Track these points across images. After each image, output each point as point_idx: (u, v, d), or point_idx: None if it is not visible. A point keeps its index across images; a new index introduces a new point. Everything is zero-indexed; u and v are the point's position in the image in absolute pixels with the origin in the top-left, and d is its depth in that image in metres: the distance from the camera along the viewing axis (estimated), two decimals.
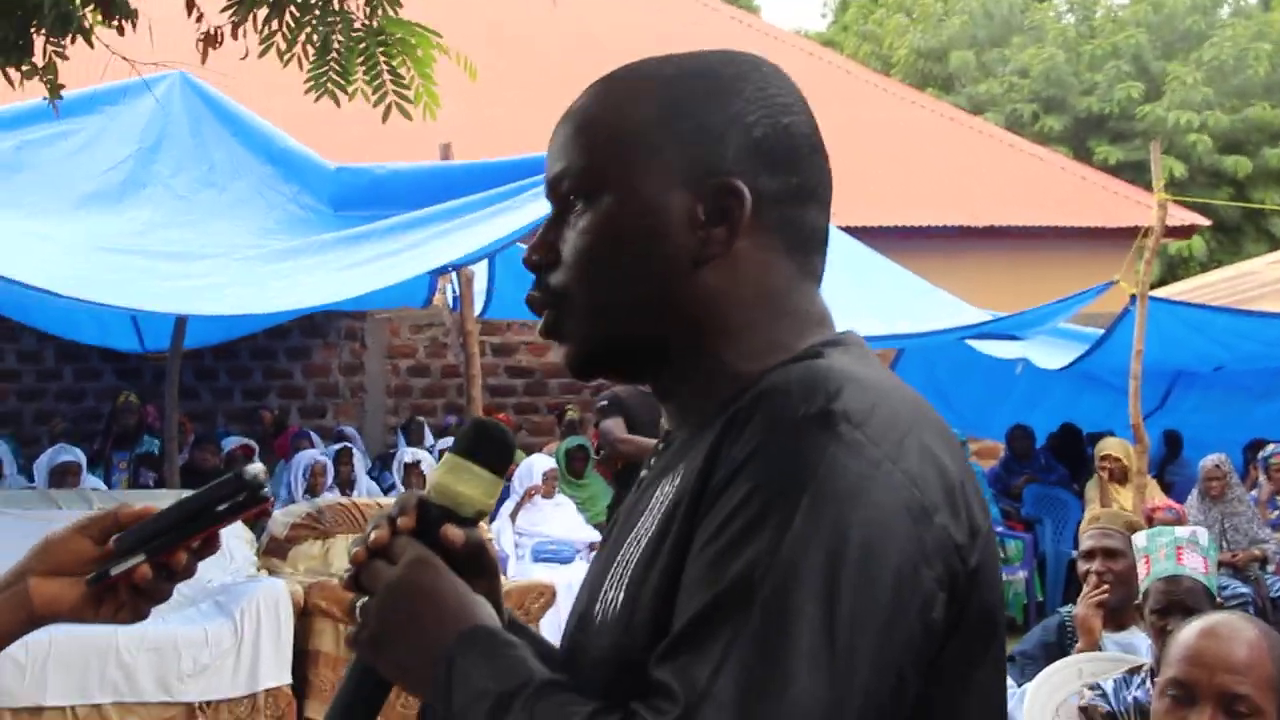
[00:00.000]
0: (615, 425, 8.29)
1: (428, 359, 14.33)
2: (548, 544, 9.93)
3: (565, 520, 10.22)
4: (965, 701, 1.30)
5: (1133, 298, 10.07)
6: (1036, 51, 26.10)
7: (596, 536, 10.27)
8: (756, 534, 1.20)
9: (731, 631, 1.18)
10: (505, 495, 10.63)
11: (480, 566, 1.47)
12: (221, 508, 1.50)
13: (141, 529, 1.54)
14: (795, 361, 1.36)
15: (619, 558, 1.36)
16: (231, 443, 11.63)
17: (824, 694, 1.16)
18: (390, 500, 9.56)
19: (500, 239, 8.23)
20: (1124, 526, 4.82)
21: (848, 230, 10.83)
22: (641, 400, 8.38)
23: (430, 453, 11.57)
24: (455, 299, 10.73)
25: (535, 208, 8.16)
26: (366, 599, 1.38)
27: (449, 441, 12.07)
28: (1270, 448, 10.71)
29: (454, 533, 1.41)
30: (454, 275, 9.50)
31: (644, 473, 1.48)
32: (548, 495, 10.19)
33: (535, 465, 10.42)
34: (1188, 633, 2.53)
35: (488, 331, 13.33)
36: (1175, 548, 4.03)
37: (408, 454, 10.86)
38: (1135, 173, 22.61)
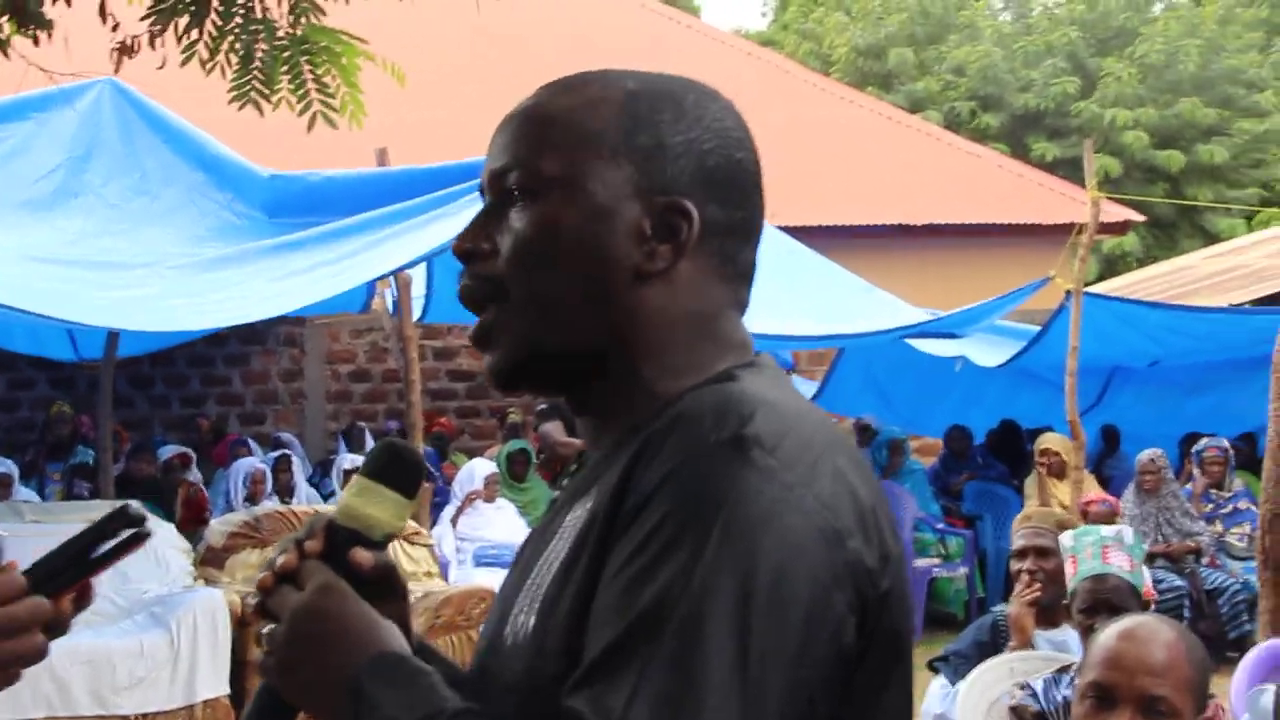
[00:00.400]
0: (555, 429, 8.30)
1: (368, 364, 14.27)
2: (489, 548, 9.91)
3: (507, 524, 10.19)
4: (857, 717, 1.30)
5: (1068, 294, 10.15)
6: (973, 49, 26.29)
7: None
8: (668, 561, 1.21)
9: (644, 661, 1.18)
10: (447, 500, 10.60)
11: (389, 589, 1.45)
12: (105, 548, 1.48)
13: (30, 571, 1.51)
14: (710, 384, 1.36)
15: (529, 581, 1.36)
16: (168, 451, 11.53)
17: (735, 719, 1.17)
18: (330, 508, 9.55)
19: (439, 245, 8.19)
20: (1055, 525, 4.86)
21: (786, 230, 10.86)
22: None
23: None
24: (394, 304, 10.70)
25: (473, 212, 8.12)
26: (274, 626, 1.36)
27: None
28: (1204, 442, 10.82)
29: (363, 556, 1.40)
30: (392, 280, 9.46)
31: (556, 494, 1.48)
32: (489, 499, 10.17)
33: (476, 470, 10.39)
34: (1106, 636, 2.55)
35: (428, 336, 13.29)
36: (1101, 547, 4.07)
37: (347, 460, 10.82)
38: (1072, 169, 22.78)
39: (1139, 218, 17.35)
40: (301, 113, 4.91)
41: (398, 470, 1.44)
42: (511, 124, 1.44)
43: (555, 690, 1.25)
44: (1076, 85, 25.05)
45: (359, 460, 10.79)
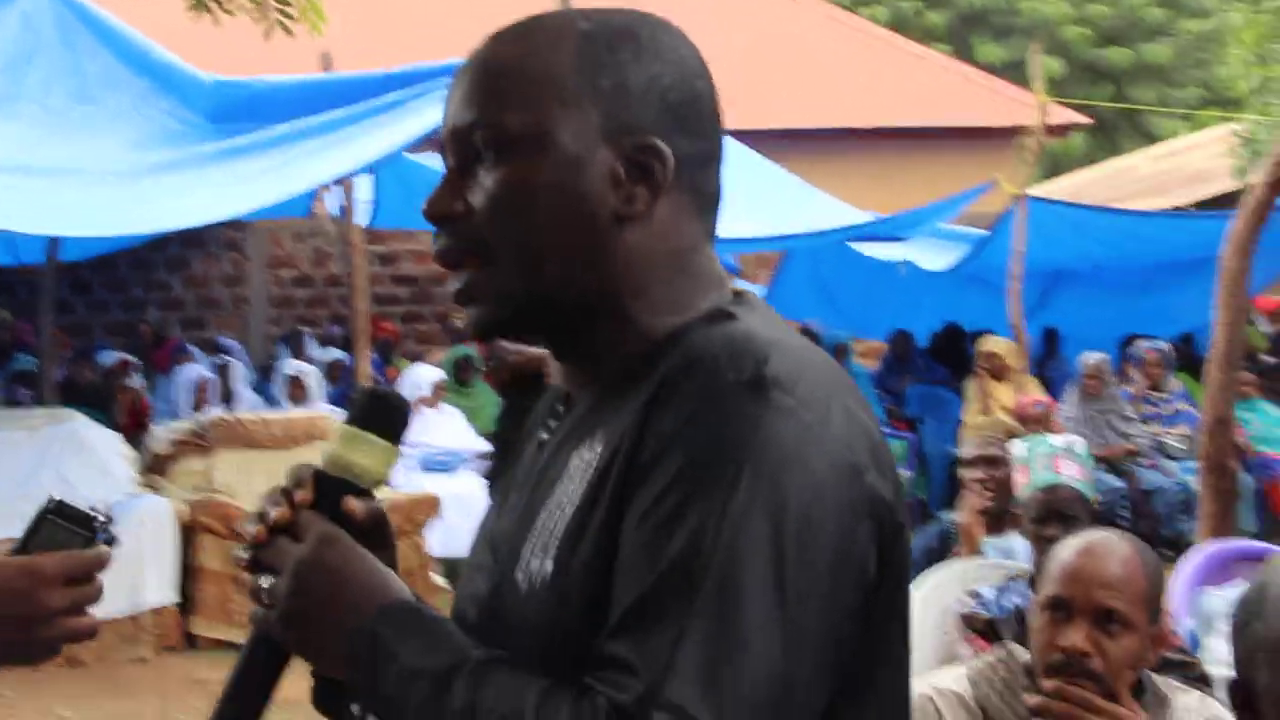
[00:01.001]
0: None
1: (311, 269, 14.17)
2: (436, 454, 9.91)
3: (453, 430, 10.19)
4: (884, 650, 1.34)
5: (1014, 198, 10.19)
6: None
7: (485, 446, 10.25)
8: (697, 504, 1.22)
9: (686, 604, 1.19)
10: None
11: (380, 537, 1.44)
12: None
13: None
14: (706, 322, 1.36)
15: (538, 524, 1.35)
16: (110, 358, 11.43)
17: (780, 657, 1.20)
18: (273, 413, 9.52)
19: (385, 151, 8.13)
20: (1004, 434, 4.91)
21: (730, 133, 10.78)
22: None
23: (314, 365, 11.44)
24: (341, 208, 10.61)
25: (419, 119, 8.05)
26: (273, 580, 1.34)
27: (334, 352, 11.97)
28: (1142, 344, 10.94)
29: (355, 505, 1.39)
30: (335, 185, 9.36)
31: (544, 435, 1.46)
32: (435, 406, 10.15)
33: (422, 376, 10.37)
34: (1065, 551, 2.59)
35: (372, 240, 13.14)
36: (1052, 457, 4.11)
37: (289, 366, 10.75)
38: (1016, 72, 22.79)
39: (1083, 120, 17.40)
40: (258, 21, 4.81)
41: (383, 417, 1.42)
42: (467, 78, 1.41)
43: (579, 635, 1.26)
44: None
45: (301, 367, 10.74)
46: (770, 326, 1.37)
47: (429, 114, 8.12)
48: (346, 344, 12.42)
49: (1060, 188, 17.12)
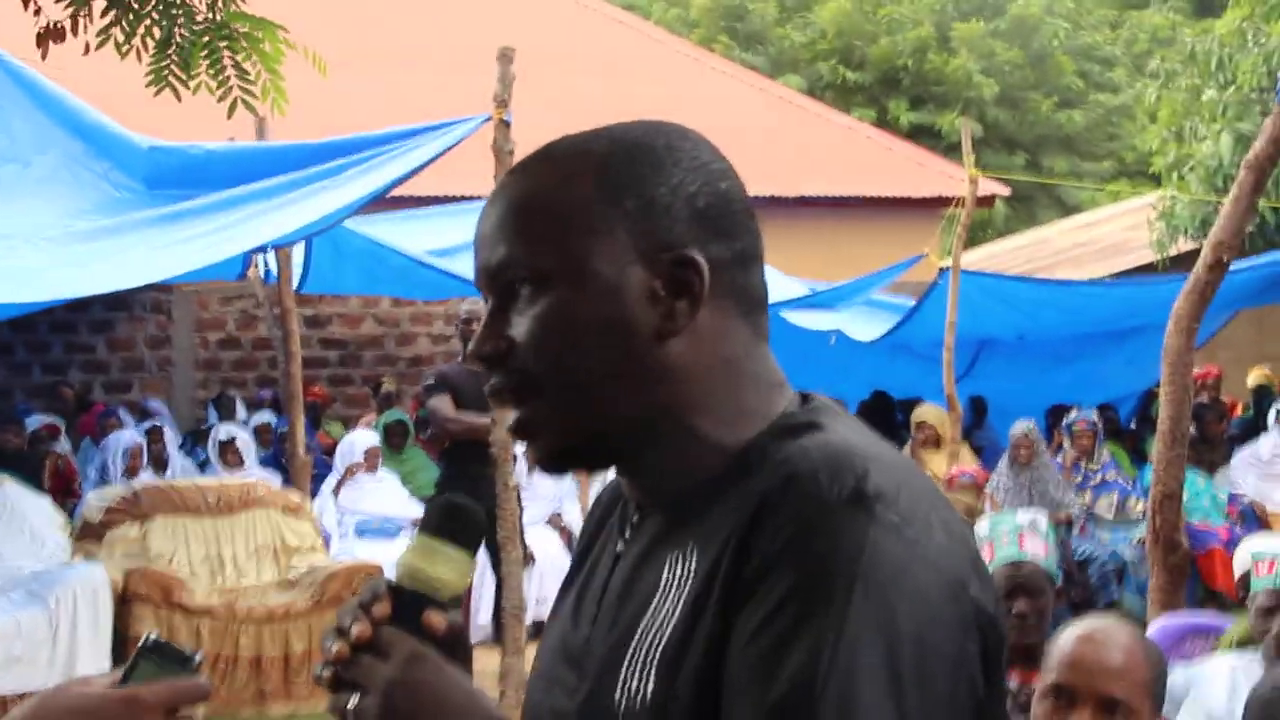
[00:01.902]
0: (443, 403, 8.23)
1: (238, 331, 14.04)
2: (370, 520, 9.84)
3: (388, 496, 10.14)
4: None
5: (942, 271, 10.33)
6: (836, 6, 26.33)
7: (420, 511, 10.20)
8: (810, 625, 1.21)
9: None
10: (323, 470, 10.51)
11: (457, 651, 1.42)
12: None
13: None
14: (790, 432, 1.36)
15: (634, 643, 1.34)
16: (35, 422, 11.25)
17: None
18: (207, 479, 9.41)
19: (323, 218, 8.11)
20: (964, 512, 4.96)
21: None
22: (468, 377, 8.34)
23: (244, 428, 11.34)
24: (268, 272, 10.55)
25: (357, 186, 8.05)
26: (359, 698, 1.32)
27: (264, 415, 11.86)
28: (1074, 414, 11.09)
29: (437, 620, 1.37)
30: (270, 250, 9.32)
31: (619, 547, 1.46)
32: (370, 471, 10.09)
33: (356, 442, 10.32)
34: (1067, 638, 2.62)
35: (300, 303, 13.10)
36: (1017, 534, 4.16)
37: (222, 431, 10.64)
38: (930, 136, 23.18)
39: (1004, 191, 17.68)
40: (221, 99, 4.81)
41: (460, 527, 1.41)
42: (495, 216, 1.42)
43: None
44: (934, 39, 25.31)
45: (235, 431, 10.64)
46: (858, 434, 1.37)
47: (366, 182, 8.13)
48: (275, 406, 12.33)
49: (978, 257, 17.38)
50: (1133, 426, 13.47)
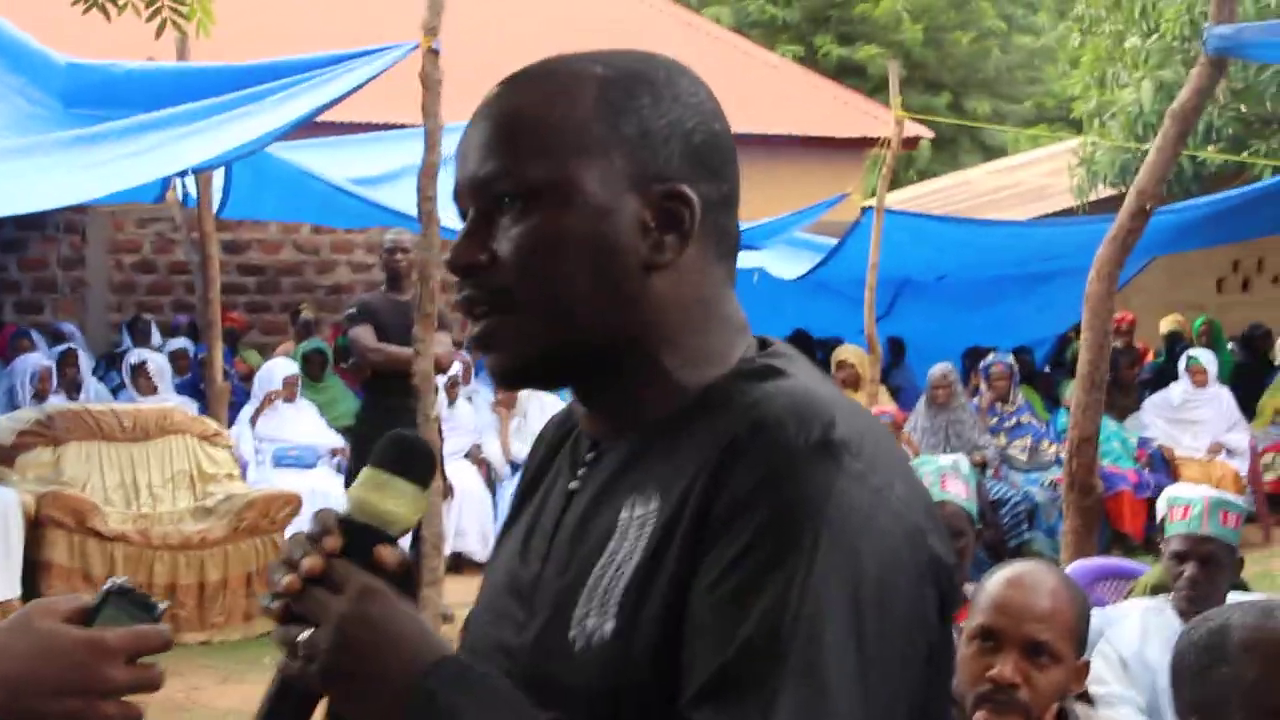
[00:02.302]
0: (364, 333, 8.17)
1: (154, 254, 13.83)
2: (289, 449, 9.78)
3: (307, 425, 10.07)
4: (937, 708, 1.35)
5: (865, 210, 10.37)
6: None
7: (338, 441, 10.15)
8: (776, 571, 1.22)
9: (771, 673, 1.19)
10: (240, 397, 10.42)
11: (404, 585, 1.41)
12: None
13: None
14: (754, 376, 1.37)
15: (592, 581, 1.34)
16: None
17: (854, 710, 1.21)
18: (123, 404, 9.29)
19: (247, 143, 7.99)
20: None
21: None
22: (391, 307, 8.28)
23: (160, 352, 11.21)
24: (185, 195, 10.40)
25: (282, 111, 7.94)
26: (310, 631, 1.31)
27: (180, 341, 11.73)
28: (990, 357, 11.21)
29: (388, 554, 1.36)
30: (191, 174, 9.18)
31: (572, 484, 1.45)
32: (289, 400, 10.02)
33: (276, 370, 10.23)
34: (994, 582, 2.66)
35: (219, 228, 12.92)
36: (940, 475, 4.21)
37: (134, 355, 10.51)
38: (859, 75, 23.19)
39: (929, 133, 17.74)
40: (150, 19, 4.70)
41: (411, 461, 1.40)
42: (486, 127, 1.40)
43: (643, 696, 1.27)
44: None
45: (149, 356, 10.51)
46: (819, 382, 1.38)
47: (291, 107, 8.02)
48: (191, 332, 12.19)
49: (901, 199, 17.43)
50: (1046, 370, 13.65)
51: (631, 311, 1.38)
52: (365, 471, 1.40)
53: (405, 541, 8.38)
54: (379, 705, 1.29)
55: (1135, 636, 4.10)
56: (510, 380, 1.44)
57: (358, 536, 1.36)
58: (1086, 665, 2.72)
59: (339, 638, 1.30)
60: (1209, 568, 4.03)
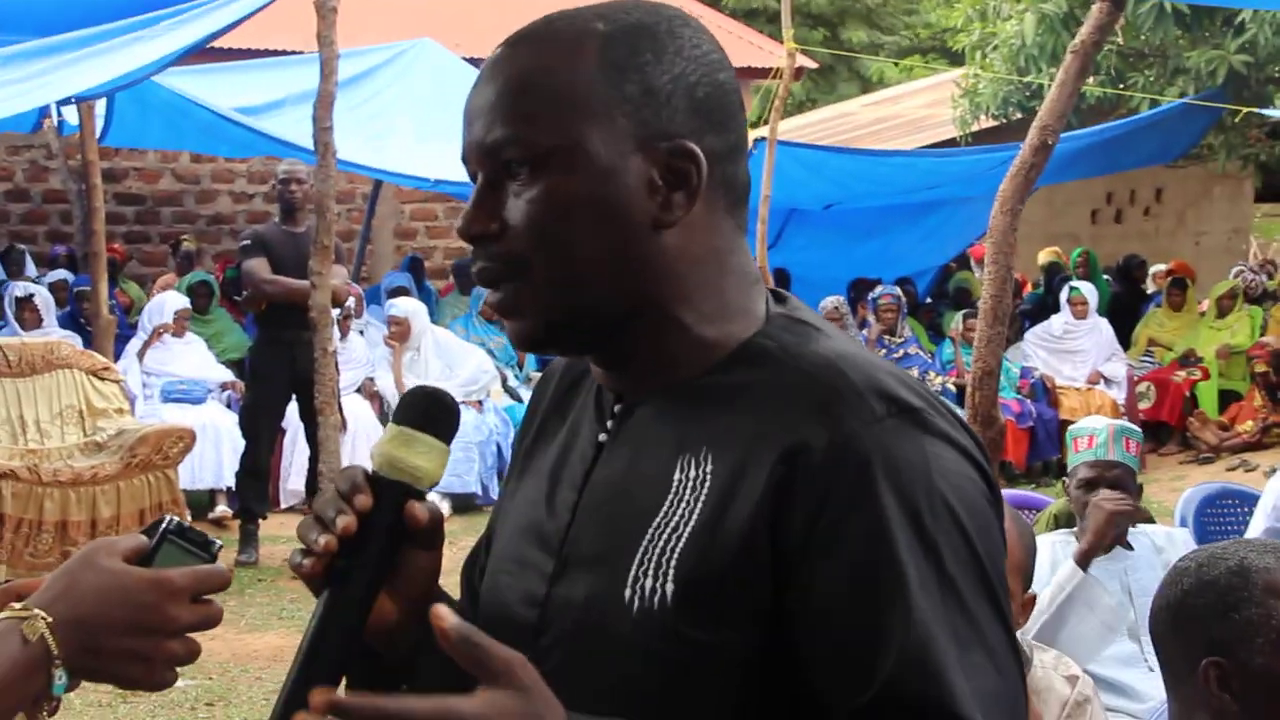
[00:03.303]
0: (259, 265, 8.05)
1: (27, 183, 13.47)
2: (178, 384, 9.63)
3: (196, 359, 9.92)
4: None
5: (758, 141, 10.37)
6: None
7: (227, 375, 10.02)
8: (902, 554, 1.25)
9: (944, 663, 1.23)
10: (132, 333, 10.22)
11: (433, 538, 1.41)
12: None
13: None
14: (791, 336, 1.37)
15: (648, 541, 1.33)
16: None
17: (1018, 673, 1.29)
18: (6, 338, 9.05)
19: (135, 70, 7.83)
20: None
21: (472, 60, 10.79)
22: (285, 239, 8.17)
23: (38, 283, 10.94)
24: (63, 123, 10.13)
25: (171, 39, 7.77)
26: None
27: (59, 273, 11.45)
28: (879, 289, 11.33)
29: (419, 510, 1.36)
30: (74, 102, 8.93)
31: (601, 436, 1.44)
32: (179, 334, 9.84)
33: (166, 302, 10.04)
34: None
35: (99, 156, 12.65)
36: None
37: (19, 287, 10.25)
38: (733, 3, 23.18)
39: (811, 64, 17.79)
40: None
41: (436, 416, 1.40)
42: (491, 93, 1.38)
43: (711, 660, 1.28)
44: None
45: (33, 288, 10.25)
46: (849, 340, 1.40)
47: (181, 34, 7.84)
48: (70, 263, 11.92)
49: (782, 131, 17.47)
50: (929, 301, 13.84)
51: (646, 271, 1.37)
52: (391, 427, 1.39)
53: (299, 475, 8.23)
54: None
55: (1045, 570, 4.18)
56: (533, 345, 1.43)
57: (387, 493, 1.36)
58: (1033, 599, 2.78)
59: None
60: (1117, 493, 4.12)
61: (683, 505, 1.33)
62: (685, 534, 1.32)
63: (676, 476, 1.35)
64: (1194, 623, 1.94)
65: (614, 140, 1.35)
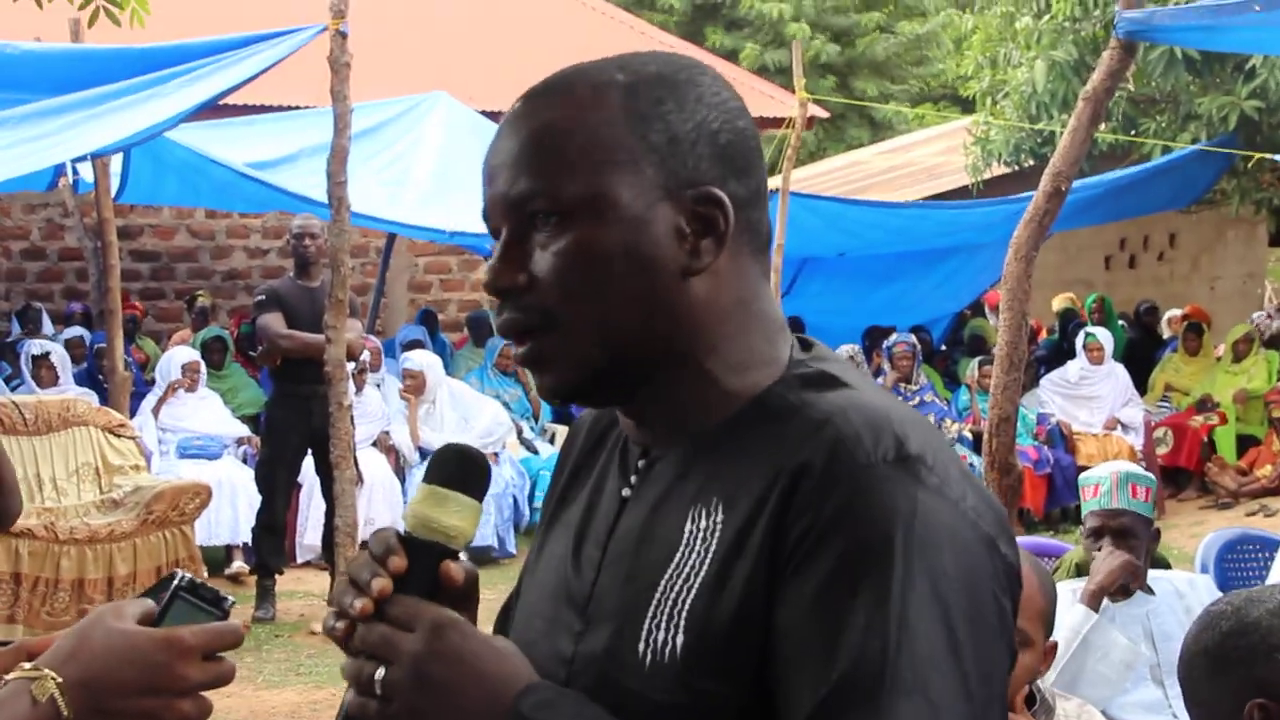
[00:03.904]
0: (274, 320, 8.07)
1: (43, 241, 13.53)
2: (193, 439, 9.63)
3: (211, 414, 9.93)
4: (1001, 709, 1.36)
5: (773, 193, 10.40)
6: None
7: (243, 430, 10.02)
8: (868, 594, 1.21)
9: (878, 695, 1.19)
10: (148, 389, 10.24)
11: (468, 596, 1.40)
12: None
13: None
14: (811, 385, 1.36)
15: (660, 595, 1.33)
16: None
17: None
18: (23, 396, 9.07)
19: (149, 127, 7.86)
20: None
21: (486, 114, 10.86)
22: (300, 294, 8.19)
23: (55, 340, 10.97)
24: (78, 180, 10.19)
25: (185, 95, 7.81)
26: (386, 670, 1.29)
27: (75, 330, 11.49)
28: (894, 337, 11.32)
29: (456, 570, 1.35)
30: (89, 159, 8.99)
31: (625, 491, 1.44)
32: (190, 389, 9.86)
33: (175, 358, 10.06)
34: None
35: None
36: None
37: (35, 345, 10.27)
38: (744, 62, 23.27)
39: (823, 114, 17.85)
40: (82, 6, 4.58)
41: (468, 474, 1.39)
42: (512, 146, 1.38)
43: (718, 710, 1.27)
44: None
45: (49, 346, 10.28)
46: (877, 392, 1.38)
47: (194, 91, 7.88)
48: (85, 320, 11.96)
49: (795, 179, 17.51)
50: (944, 349, 13.82)
51: (675, 320, 1.36)
52: (423, 488, 1.38)
53: (315, 530, 8.21)
54: None
55: (1066, 617, 4.15)
56: (563, 397, 1.43)
57: (420, 554, 1.34)
58: (1054, 647, 2.76)
59: (417, 678, 1.27)
60: (1125, 540, 4.09)
61: (694, 556, 1.33)
62: (695, 585, 1.32)
63: (688, 528, 1.35)
64: (1238, 665, 1.92)
65: (641, 189, 1.35)
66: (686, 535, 1.34)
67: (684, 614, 1.31)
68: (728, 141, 1.38)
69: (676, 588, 1.32)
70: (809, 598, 1.24)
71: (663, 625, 1.32)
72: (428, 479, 1.39)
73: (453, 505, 1.36)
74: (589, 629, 1.40)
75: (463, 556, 1.37)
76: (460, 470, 1.39)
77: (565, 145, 1.36)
